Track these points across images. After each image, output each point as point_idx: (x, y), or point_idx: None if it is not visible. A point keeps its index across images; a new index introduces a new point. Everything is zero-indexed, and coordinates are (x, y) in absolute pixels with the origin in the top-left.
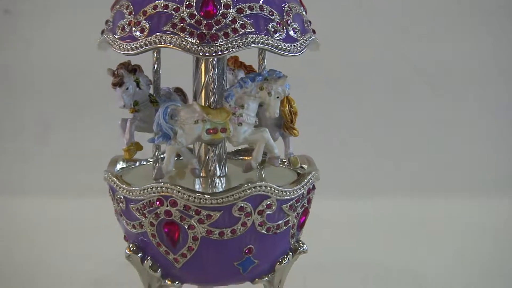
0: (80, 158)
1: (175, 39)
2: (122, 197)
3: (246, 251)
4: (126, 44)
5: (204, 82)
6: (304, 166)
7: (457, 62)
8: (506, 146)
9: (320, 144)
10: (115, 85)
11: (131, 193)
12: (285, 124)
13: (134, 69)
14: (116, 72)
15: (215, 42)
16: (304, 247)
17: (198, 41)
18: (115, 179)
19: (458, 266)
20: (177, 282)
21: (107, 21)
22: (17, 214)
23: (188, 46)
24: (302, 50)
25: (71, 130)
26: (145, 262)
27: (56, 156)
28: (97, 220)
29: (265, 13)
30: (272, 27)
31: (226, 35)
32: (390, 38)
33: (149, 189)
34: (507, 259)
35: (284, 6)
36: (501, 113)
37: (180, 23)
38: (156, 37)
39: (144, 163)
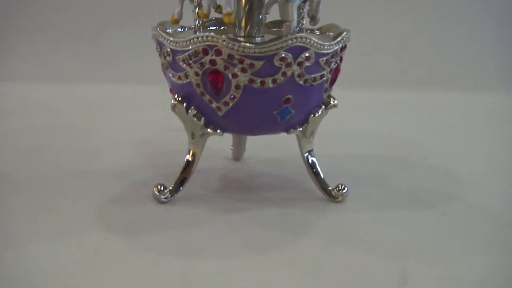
0: None
1: None
2: (169, 50)
3: (285, 100)
4: None
5: None
6: (331, 33)
7: None
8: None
9: None
10: None
11: (177, 45)
12: None
13: None
14: None
15: None
16: (335, 102)
17: None
18: (163, 33)
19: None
20: (218, 131)
21: None
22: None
23: None
24: None
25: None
26: (190, 111)
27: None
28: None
29: None
30: None
31: None
32: None
33: (195, 39)
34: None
35: None
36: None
37: None
38: None
39: (186, 29)
